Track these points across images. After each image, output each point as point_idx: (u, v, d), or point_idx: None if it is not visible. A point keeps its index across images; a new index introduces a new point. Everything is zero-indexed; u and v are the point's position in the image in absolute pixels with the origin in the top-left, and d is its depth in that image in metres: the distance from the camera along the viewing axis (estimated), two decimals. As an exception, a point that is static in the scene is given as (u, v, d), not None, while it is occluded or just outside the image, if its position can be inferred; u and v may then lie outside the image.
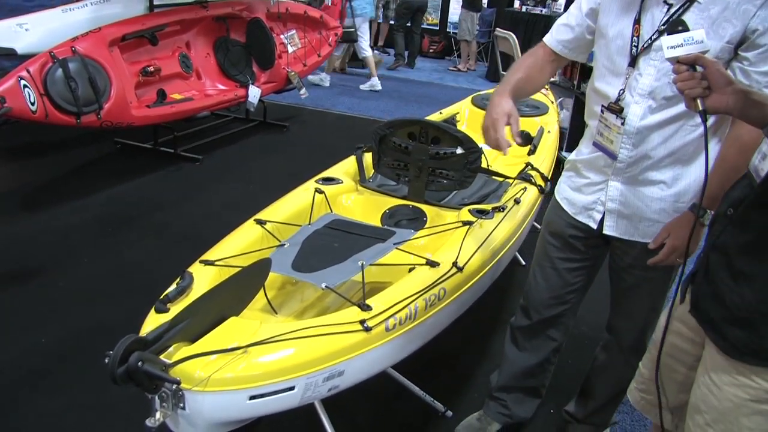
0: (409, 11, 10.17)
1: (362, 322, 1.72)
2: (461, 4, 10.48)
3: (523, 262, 3.73)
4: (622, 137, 1.77)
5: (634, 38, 1.71)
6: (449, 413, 2.51)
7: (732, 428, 1.38)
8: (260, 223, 2.30)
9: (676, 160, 1.75)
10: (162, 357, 1.45)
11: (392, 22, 10.93)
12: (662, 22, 1.65)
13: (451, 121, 3.95)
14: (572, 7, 1.94)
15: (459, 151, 2.60)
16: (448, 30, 12.05)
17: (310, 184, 2.69)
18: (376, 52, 10.73)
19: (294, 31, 6.33)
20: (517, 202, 2.64)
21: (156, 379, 1.39)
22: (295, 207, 2.50)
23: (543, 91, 4.46)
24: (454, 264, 2.09)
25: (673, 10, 1.64)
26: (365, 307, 1.77)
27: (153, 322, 1.63)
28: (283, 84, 6.09)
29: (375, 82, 8.53)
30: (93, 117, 4.13)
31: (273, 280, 2.20)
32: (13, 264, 3.39)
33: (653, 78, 1.69)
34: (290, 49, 6.20)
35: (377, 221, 2.66)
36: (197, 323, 1.54)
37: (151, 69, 4.85)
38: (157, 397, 1.44)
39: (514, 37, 5.81)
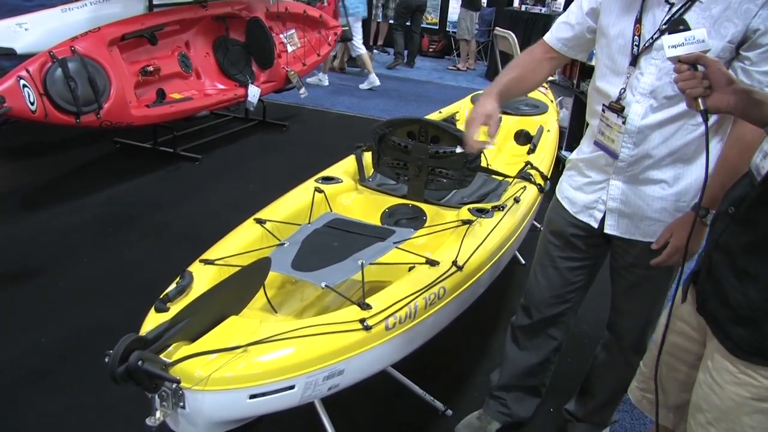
0: (408, 10, 10.17)
1: (362, 321, 1.72)
2: (460, 3, 10.48)
3: (523, 261, 3.74)
4: (624, 136, 1.76)
5: (636, 37, 1.71)
6: (449, 412, 2.51)
7: (734, 427, 1.38)
8: (260, 222, 2.30)
9: (677, 159, 1.75)
10: (162, 356, 1.45)
11: (391, 21, 10.93)
12: (663, 22, 1.65)
13: (451, 120, 3.95)
14: (573, 5, 1.94)
15: (458, 150, 2.60)
16: (447, 29, 12.05)
17: (310, 184, 2.70)
18: (374, 52, 10.75)
19: (293, 31, 6.33)
20: (516, 201, 2.64)
21: (156, 378, 1.39)
22: (294, 206, 2.50)
23: (542, 90, 4.45)
24: (454, 263, 2.09)
25: (674, 10, 1.63)
26: (365, 306, 1.77)
27: (153, 321, 1.63)
28: (282, 83, 6.09)
29: (373, 79, 8.54)
30: (92, 117, 4.13)
31: (273, 279, 2.20)
32: (13, 264, 3.38)
33: (654, 77, 1.69)
34: (290, 49, 6.20)
35: (377, 220, 2.66)
36: (197, 322, 1.54)
37: (151, 69, 4.85)
38: (157, 396, 1.45)
39: (514, 36, 5.80)
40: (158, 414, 1.45)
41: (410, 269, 2.10)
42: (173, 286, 1.83)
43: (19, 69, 3.76)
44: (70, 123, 4.02)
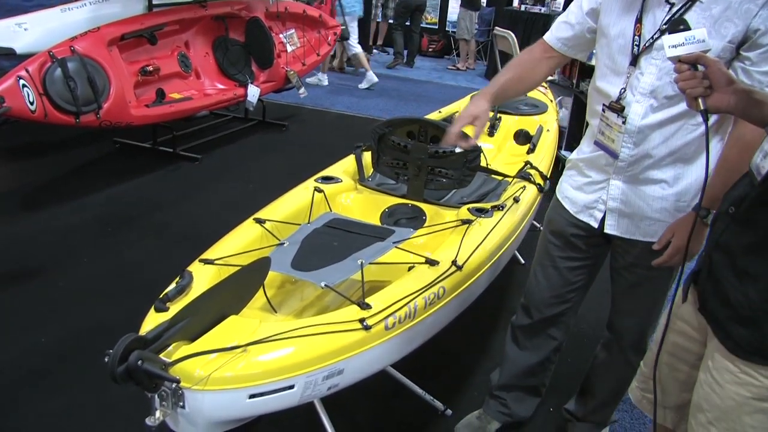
0: (407, 10, 10.17)
1: (362, 320, 1.72)
2: (460, 2, 10.48)
3: (523, 261, 3.74)
4: (624, 136, 1.76)
5: (636, 37, 1.70)
6: (449, 412, 2.51)
7: (735, 426, 1.38)
8: (259, 222, 2.30)
9: (678, 159, 1.75)
10: (162, 356, 1.45)
11: (391, 21, 10.93)
12: (664, 22, 1.65)
13: (451, 120, 3.95)
14: (573, 4, 1.93)
15: (458, 149, 2.60)
16: (447, 29, 12.05)
17: (310, 183, 2.70)
18: (373, 52, 10.73)
19: (293, 31, 6.33)
20: (516, 200, 2.64)
21: (156, 378, 1.40)
22: (294, 206, 2.50)
23: (542, 89, 4.46)
24: (454, 263, 2.09)
25: (674, 10, 1.63)
26: (365, 306, 1.77)
27: (153, 321, 1.63)
28: (282, 83, 6.09)
29: (371, 77, 8.55)
30: (92, 116, 4.13)
31: (272, 278, 2.20)
32: (13, 264, 3.38)
33: (655, 77, 1.69)
34: (289, 49, 6.20)
35: (376, 220, 2.66)
36: (197, 322, 1.54)
37: (150, 68, 4.85)
38: (156, 396, 1.45)
39: (513, 35, 5.81)
40: (158, 414, 1.45)
41: (410, 269, 2.10)
42: (173, 285, 1.83)
43: (18, 69, 3.76)
44: (70, 123, 4.02)
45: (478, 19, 10.52)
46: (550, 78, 4.20)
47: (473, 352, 2.95)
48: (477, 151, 2.67)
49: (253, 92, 5.64)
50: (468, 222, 2.37)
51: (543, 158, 3.28)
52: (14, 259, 3.44)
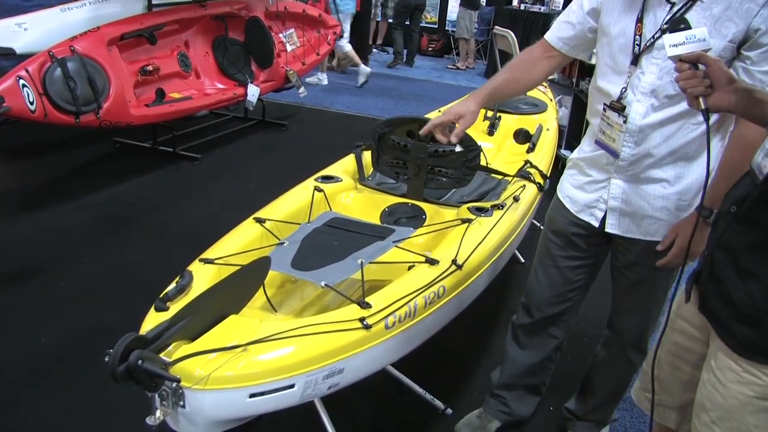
0: (407, 9, 10.16)
1: (362, 319, 1.72)
2: (459, 2, 10.47)
3: (523, 260, 3.74)
4: (624, 135, 1.76)
5: (637, 37, 1.70)
6: (449, 411, 2.51)
7: (738, 426, 1.38)
8: (259, 221, 2.30)
9: (679, 158, 1.75)
10: (162, 355, 1.45)
11: (390, 20, 10.92)
12: (665, 21, 1.65)
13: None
14: (573, 3, 1.93)
15: (458, 149, 2.61)
16: (446, 28, 12.05)
17: (309, 183, 2.69)
18: (373, 51, 10.73)
19: (293, 30, 6.33)
20: (516, 199, 2.64)
21: (156, 378, 1.40)
22: (294, 205, 2.50)
23: (541, 88, 4.46)
24: (454, 262, 2.09)
25: (675, 9, 1.63)
26: (365, 305, 1.77)
27: (153, 320, 1.63)
28: (281, 83, 6.09)
29: (364, 69, 8.57)
30: (92, 116, 4.13)
31: (272, 278, 2.20)
32: (13, 264, 3.38)
33: (655, 76, 1.69)
34: (289, 48, 6.20)
35: (376, 219, 2.66)
36: (197, 322, 1.54)
37: (150, 68, 4.85)
38: (157, 396, 1.45)
39: (513, 35, 5.80)
40: (158, 413, 1.45)
41: (410, 268, 2.10)
42: (173, 285, 1.83)
43: (18, 69, 3.76)
44: (70, 123, 4.02)
45: (477, 18, 10.52)
46: (549, 77, 4.21)
47: (473, 351, 2.95)
48: (477, 150, 2.67)
49: (253, 92, 5.64)
50: (468, 221, 2.37)
51: (543, 157, 3.28)
52: (14, 259, 3.44)
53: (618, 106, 1.76)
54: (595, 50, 1.92)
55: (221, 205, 4.32)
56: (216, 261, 2.00)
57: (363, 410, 2.51)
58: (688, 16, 1.57)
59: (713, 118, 1.66)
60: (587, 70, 4.94)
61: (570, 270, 2.11)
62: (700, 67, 1.34)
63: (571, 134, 5.36)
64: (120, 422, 2.33)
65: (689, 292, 1.52)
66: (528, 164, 2.99)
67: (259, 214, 2.37)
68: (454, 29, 11.06)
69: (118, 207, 4.18)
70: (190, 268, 1.95)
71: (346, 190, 2.75)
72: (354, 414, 2.47)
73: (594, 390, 2.32)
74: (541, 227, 2.24)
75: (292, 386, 1.59)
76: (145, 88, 4.87)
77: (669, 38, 1.37)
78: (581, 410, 2.39)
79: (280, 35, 6.14)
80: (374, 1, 10.60)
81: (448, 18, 12.00)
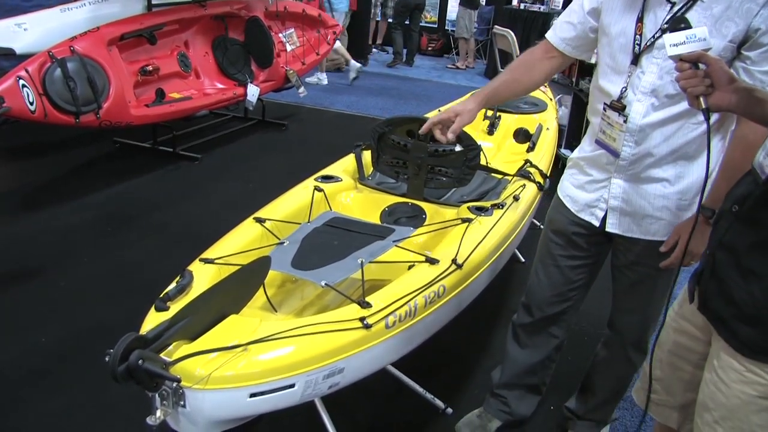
0: (406, 9, 10.16)
1: (362, 319, 1.72)
2: (459, 1, 10.47)
3: (523, 260, 3.74)
4: (625, 135, 1.76)
5: (637, 36, 1.70)
6: (449, 410, 2.51)
7: (741, 426, 1.38)
8: (259, 221, 2.30)
9: (679, 157, 1.75)
10: (162, 355, 1.45)
11: (390, 20, 10.92)
12: (665, 21, 1.65)
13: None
14: (574, 3, 1.92)
15: (458, 148, 2.61)
16: (446, 28, 12.05)
17: (309, 182, 2.69)
18: (373, 51, 10.72)
19: (292, 30, 6.33)
20: (516, 199, 2.64)
21: (156, 377, 1.39)
22: (294, 205, 2.50)
23: (541, 88, 4.45)
24: (454, 261, 2.09)
25: (675, 9, 1.63)
26: (365, 305, 1.77)
27: (153, 320, 1.63)
28: (281, 82, 6.09)
29: (353, 65, 8.59)
30: (92, 116, 4.13)
31: (273, 278, 2.20)
32: (13, 264, 3.38)
33: (656, 76, 1.69)
34: (289, 48, 6.20)
35: (376, 219, 2.66)
36: (197, 321, 1.54)
37: (150, 68, 4.85)
38: (157, 396, 1.45)
39: (513, 34, 5.80)
40: (159, 413, 1.45)
41: (410, 267, 2.10)
42: (173, 285, 1.83)
43: (18, 69, 3.76)
44: (70, 123, 4.02)
45: (477, 18, 10.51)
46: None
47: (473, 350, 2.95)
48: (477, 149, 2.67)
49: (253, 91, 5.64)
50: (468, 220, 2.37)
51: (543, 157, 3.28)
52: (14, 259, 3.44)
53: (618, 106, 1.76)
54: (596, 50, 1.92)
55: (221, 204, 4.32)
56: (216, 261, 1.99)
57: (363, 410, 2.51)
58: (689, 15, 1.57)
59: (713, 117, 1.66)
60: (587, 70, 4.94)
61: (570, 269, 2.11)
62: (701, 66, 1.34)
63: (571, 133, 5.36)
64: (120, 422, 2.33)
65: (693, 292, 1.52)
66: (528, 164, 2.99)
67: (259, 213, 2.37)
68: (454, 29, 11.06)
69: (118, 207, 4.18)
70: (191, 267, 1.95)
71: (346, 190, 2.75)
72: (354, 414, 2.47)
73: (594, 389, 2.32)
74: (542, 227, 2.24)
75: (292, 386, 1.59)
76: (145, 88, 4.87)
77: (669, 38, 1.37)
78: (582, 409, 2.39)
79: (280, 35, 6.14)
80: (374, 0, 10.60)
81: (447, 17, 11.99)
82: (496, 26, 5.87)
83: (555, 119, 4.08)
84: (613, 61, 1.79)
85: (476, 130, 3.83)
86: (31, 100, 3.74)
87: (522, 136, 3.69)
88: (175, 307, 1.67)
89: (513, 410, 2.39)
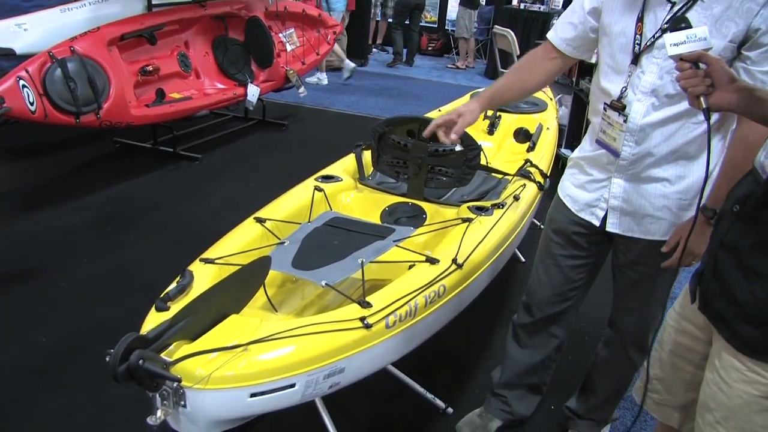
0: (406, 9, 10.16)
1: (362, 319, 1.72)
2: (459, 1, 10.46)
3: (523, 259, 3.74)
4: (625, 135, 1.76)
5: (637, 36, 1.70)
6: (450, 410, 2.51)
7: (743, 425, 1.37)
8: (260, 221, 2.30)
9: (680, 157, 1.75)
10: (163, 355, 1.45)
11: (390, 20, 10.92)
12: (665, 21, 1.65)
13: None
14: (574, 3, 1.92)
15: (458, 148, 2.61)
16: (446, 27, 12.04)
17: (310, 182, 2.69)
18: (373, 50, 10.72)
19: (292, 30, 6.33)
20: (516, 198, 2.64)
21: (157, 377, 1.39)
22: (294, 205, 2.50)
23: (542, 87, 4.45)
24: (454, 261, 2.09)
25: (675, 9, 1.63)
26: (365, 305, 1.77)
27: (153, 320, 1.63)
28: (281, 82, 6.09)
29: (348, 65, 8.61)
30: (92, 117, 4.13)
31: (273, 278, 2.20)
32: (13, 264, 3.38)
33: (656, 76, 1.68)
34: (289, 48, 6.20)
35: (377, 219, 2.66)
36: (198, 321, 1.54)
37: (150, 68, 4.85)
38: (158, 395, 1.45)
39: (513, 34, 5.80)
40: (159, 413, 1.45)
41: (410, 267, 2.10)
42: (174, 285, 1.83)
43: (18, 69, 3.76)
44: (70, 123, 4.02)
45: (477, 18, 10.51)
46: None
47: (474, 350, 2.95)
48: (477, 149, 2.67)
49: (253, 91, 5.64)
50: (468, 220, 2.37)
51: (543, 156, 3.28)
52: (14, 259, 3.44)
53: (618, 106, 1.76)
54: (596, 50, 1.92)
55: (221, 204, 4.32)
56: (216, 261, 1.99)
57: (363, 410, 2.51)
58: (689, 15, 1.57)
59: (714, 117, 1.66)
60: (587, 70, 4.94)
61: (571, 269, 2.11)
62: (701, 66, 1.33)
63: (571, 133, 5.36)
64: (120, 422, 2.33)
65: (694, 292, 1.52)
66: (528, 163, 2.99)
67: (260, 213, 2.37)
68: (454, 28, 11.05)
69: (118, 207, 4.18)
70: (191, 267, 1.95)
71: (347, 190, 2.75)
72: (354, 413, 2.47)
73: (595, 389, 2.32)
74: (542, 226, 2.24)
75: (292, 386, 1.59)
76: (145, 88, 4.87)
77: (670, 37, 1.37)
78: (582, 409, 2.39)
79: (280, 35, 6.14)
80: (374, 0, 10.60)
81: (447, 17, 11.99)
82: (496, 26, 5.88)
83: (555, 119, 4.08)
84: (613, 60, 1.79)
85: (476, 129, 3.83)
86: (31, 101, 3.74)
87: (522, 135, 3.69)
88: (176, 307, 1.67)
89: (513, 410, 2.39)
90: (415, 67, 10.58)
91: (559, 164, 4.13)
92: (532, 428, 2.48)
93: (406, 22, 10.39)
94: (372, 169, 2.93)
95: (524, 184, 2.79)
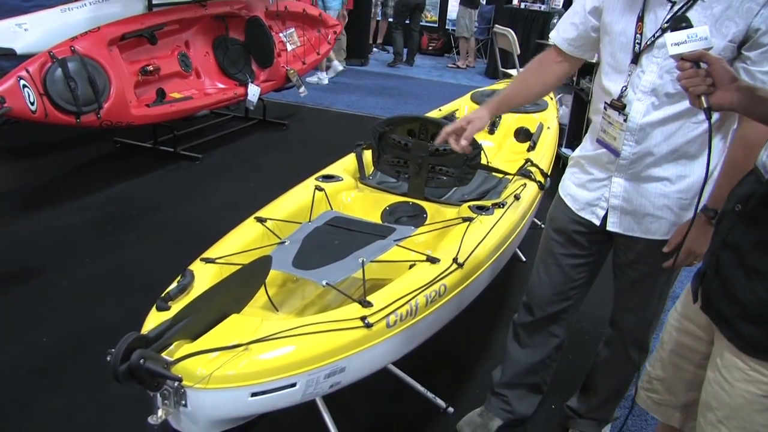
0: (407, 9, 10.16)
1: (363, 318, 1.72)
2: (459, 1, 10.47)
3: (524, 259, 3.74)
4: (625, 134, 1.76)
5: (637, 35, 1.70)
6: (451, 410, 2.51)
7: (745, 425, 1.37)
8: (260, 220, 2.30)
9: (680, 156, 1.75)
10: (164, 354, 1.45)
11: (390, 19, 10.92)
12: (665, 20, 1.65)
13: (451, 117, 3.95)
14: (576, 4, 1.93)
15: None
16: (446, 27, 12.04)
17: (310, 182, 2.69)
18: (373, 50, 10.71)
19: (293, 30, 6.33)
20: (516, 198, 2.64)
21: (158, 377, 1.39)
22: (295, 205, 2.50)
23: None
24: (455, 260, 2.09)
25: (676, 8, 1.63)
26: (366, 304, 1.77)
27: (154, 320, 1.63)
28: (282, 82, 6.09)
29: (335, 66, 8.68)
30: (93, 116, 4.13)
31: (274, 277, 2.20)
32: (13, 264, 3.38)
33: (656, 75, 1.68)
34: (289, 48, 6.20)
35: (377, 218, 2.66)
36: (198, 321, 1.54)
37: (151, 68, 4.85)
38: (159, 395, 1.45)
39: (513, 33, 5.80)
40: (160, 412, 1.45)
41: (411, 267, 2.10)
42: (174, 284, 1.83)
43: (19, 69, 3.76)
44: (71, 123, 4.02)
45: (477, 17, 10.51)
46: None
47: (474, 349, 2.95)
48: (477, 148, 2.67)
49: (254, 91, 5.64)
50: (469, 219, 2.37)
51: (543, 156, 3.28)
52: (14, 259, 3.44)
53: (618, 105, 1.76)
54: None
55: (222, 204, 4.32)
56: (217, 260, 1.99)
57: (364, 409, 2.51)
58: (689, 15, 1.57)
59: (714, 117, 1.65)
60: (588, 69, 4.93)
61: (571, 268, 2.11)
62: (702, 65, 1.33)
63: (571, 133, 5.36)
64: (120, 422, 2.33)
65: (696, 292, 1.52)
66: (529, 163, 2.99)
67: (260, 213, 2.37)
68: (454, 28, 11.06)
69: (118, 207, 4.18)
70: (192, 267, 1.95)
71: (347, 189, 2.75)
72: (355, 413, 2.47)
73: (596, 388, 2.32)
74: (542, 226, 2.24)
75: (293, 385, 1.59)
76: (145, 88, 4.87)
77: (671, 37, 1.36)
78: (583, 408, 2.39)
79: (281, 35, 6.14)
80: (374, 0, 10.60)
81: (448, 17, 11.98)
82: (496, 25, 5.88)
83: (556, 118, 4.08)
84: (613, 60, 1.79)
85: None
86: (32, 100, 3.74)
87: (523, 135, 3.69)
88: (177, 307, 1.67)
89: (514, 409, 2.39)
90: (415, 66, 10.59)
91: (560, 164, 4.13)
92: (532, 428, 2.48)
93: (407, 21, 10.39)
94: (372, 168, 2.93)
95: (525, 184, 2.79)
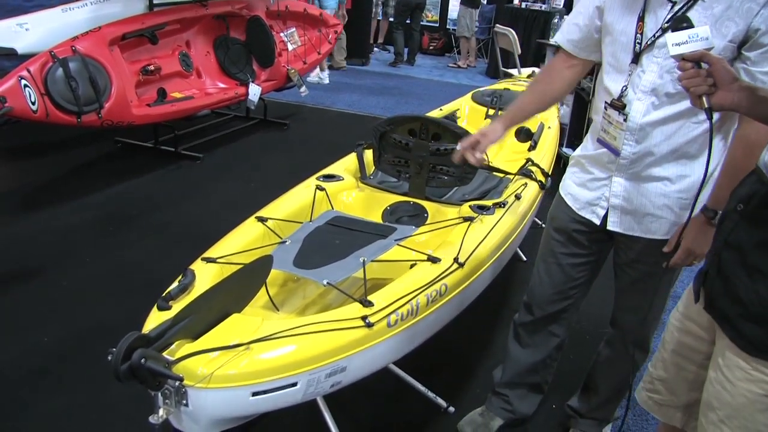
0: (407, 8, 10.16)
1: (364, 318, 1.72)
2: (460, 0, 10.47)
3: (525, 258, 3.73)
4: (625, 134, 1.76)
5: (638, 35, 1.71)
6: (451, 409, 2.51)
7: (746, 424, 1.37)
8: (261, 220, 2.30)
9: (680, 156, 1.75)
10: (165, 354, 1.45)
11: (391, 19, 10.92)
12: (666, 20, 1.65)
13: (452, 117, 3.95)
14: (579, 5, 1.93)
15: (459, 147, 2.60)
16: (447, 27, 12.04)
17: (311, 182, 2.69)
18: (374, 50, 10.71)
19: (294, 29, 6.34)
20: (517, 197, 2.64)
21: (159, 376, 1.39)
22: (296, 204, 2.50)
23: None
24: (455, 260, 2.09)
25: (676, 8, 1.63)
26: (367, 303, 1.77)
27: (155, 319, 1.63)
28: (283, 82, 6.09)
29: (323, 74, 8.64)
30: (94, 116, 4.13)
31: (275, 277, 2.20)
32: (13, 264, 3.38)
33: (656, 75, 1.69)
34: (290, 47, 6.20)
35: (378, 218, 2.66)
36: (199, 320, 1.54)
37: (152, 68, 4.85)
38: (160, 394, 1.45)
39: (514, 33, 5.80)
40: (161, 412, 1.45)
41: (412, 266, 2.10)
42: (175, 284, 1.83)
43: (20, 69, 3.76)
44: (72, 123, 4.02)
45: (478, 17, 10.51)
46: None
47: (475, 349, 2.95)
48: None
49: (255, 91, 5.64)
50: (470, 219, 2.37)
51: (544, 155, 3.27)
52: (14, 259, 3.44)
53: (619, 105, 1.76)
54: None
55: (223, 204, 4.32)
56: (218, 260, 1.99)
57: (365, 408, 2.51)
58: (689, 15, 1.57)
59: (714, 116, 1.65)
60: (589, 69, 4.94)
61: (572, 267, 2.11)
62: (703, 65, 1.33)
63: (572, 132, 5.36)
64: (120, 422, 2.33)
65: (698, 292, 1.51)
66: (529, 162, 2.99)
67: (261, 213, 2.37)
68: (455, 28, 11.07)
69: (119, 206, 4.18)
70: (193, 267, 1.95)
71: (348, 189, 2.75)
72: (356, 412, 2.47)
73: (597, 388, 2.32)
74: (543, 225, 2.24)
75: (294, 384, 1.59)
76: (146, 87, 4.87)
77: (672, 37, 1.36)
78: (584, 408, 2.39)
79: (281, 34, 6.14)
80: (375, 0, 10.60)
81: (449, 16, 11.99)
82: (497, 25, 5.87)
83: (556, 118, 4.08)
84: (614, 59, 1.79)
85: (477, 128, 3.82)
86: (33, 100, 3.74)
87: (523, 134, 3.68)
88: (178, 306, 1.67)
89: (515, 409, 2.39)
90: (416, 66, 10.59)
91: (561, 163, 4.13)
92: (533, 427, 2.48)
93: (408, 21, 10.39)
94: (373, 168, 2.93)
95: (526, 183, 2.79)
